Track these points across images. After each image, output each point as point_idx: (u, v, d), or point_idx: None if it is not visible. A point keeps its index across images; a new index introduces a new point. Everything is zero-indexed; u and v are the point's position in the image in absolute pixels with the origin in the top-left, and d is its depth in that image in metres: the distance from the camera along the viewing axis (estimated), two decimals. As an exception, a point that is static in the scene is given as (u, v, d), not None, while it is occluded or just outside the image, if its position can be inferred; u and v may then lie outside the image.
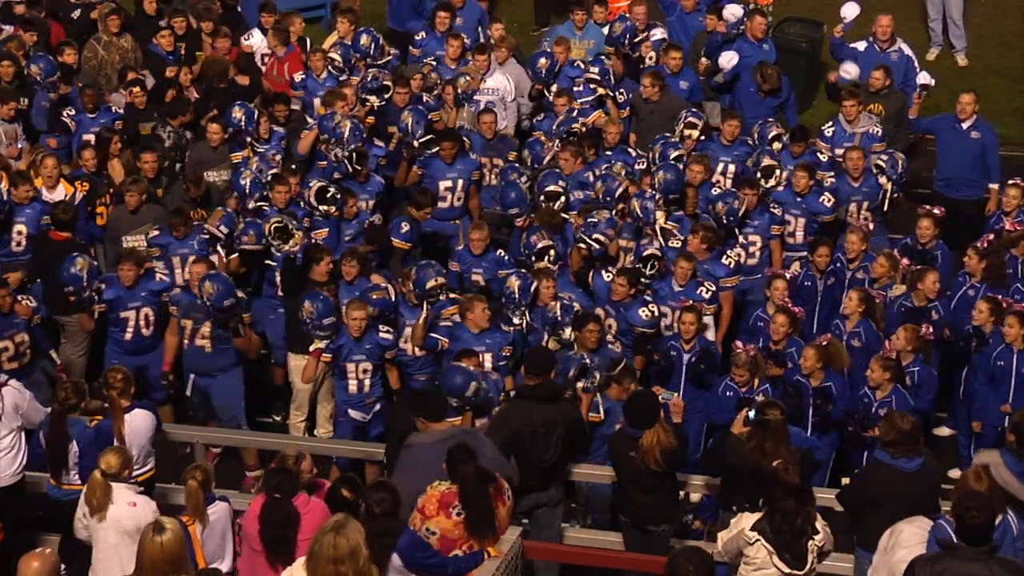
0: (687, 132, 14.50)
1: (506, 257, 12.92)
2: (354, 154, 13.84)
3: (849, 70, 15.56)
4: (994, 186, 14.61)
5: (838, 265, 13.08)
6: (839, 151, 14.59)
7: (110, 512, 9.09)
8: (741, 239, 13.53)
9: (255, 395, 12.82)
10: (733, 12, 16.19)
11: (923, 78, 15.43)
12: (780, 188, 13.85)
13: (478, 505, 9.10)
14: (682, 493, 11.05)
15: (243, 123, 14.52)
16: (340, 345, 11.86)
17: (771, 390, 11.55)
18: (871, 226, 13.47)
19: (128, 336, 12.47)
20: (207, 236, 13.03)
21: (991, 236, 13.01)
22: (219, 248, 12.95)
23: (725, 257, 12.95)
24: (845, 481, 10.89)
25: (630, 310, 12.12)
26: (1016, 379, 11.73)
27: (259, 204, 13.47)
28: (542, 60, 15.59)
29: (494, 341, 11.92)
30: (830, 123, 15.09)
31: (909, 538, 8.77)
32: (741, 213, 13.32)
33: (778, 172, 13.84)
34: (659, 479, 10.19)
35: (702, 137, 14.61)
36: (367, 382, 11.96)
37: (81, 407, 10.33)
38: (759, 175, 13.81)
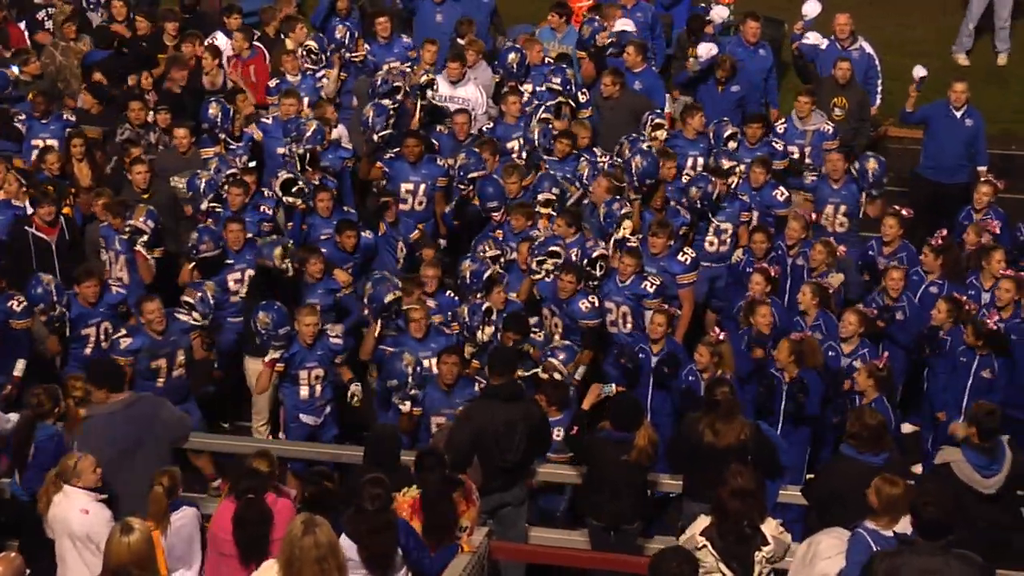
0: (655, 133, 14.59)
1: (457, 298, 12.69)
2: (308, 154, 13.86)
3: (808, 11, 16.12)
4: (983, 168, 14.84)
5: (779, 252, 13.16)
6: (792, 148, 14.81)
7: (62, 517, 9.05)
8: (713, 226, 13.65)
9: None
10: (719, 13, 16.45)
11: (919, 71, 15.51)
12: (741, 181, 14.01)
13: (435, 516, 9.13)
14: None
15: (219, 120, 14.48)
16: (293, 354, 11.83)
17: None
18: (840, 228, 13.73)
19: (88, 351, 12.39)
20: (128, 232, 12.95)
21: (944, 232, 13.11)
22: (139, 246, 12.93)
23: (681, 254, 12.98)
24: (810, 476, 10.93)
25: (572, 304, 12.20)
26: (973, 379, 11.85)
27: (212, 206, 13.44)
28: (512, 55, 15.52)
29: (439, 345, 11.91)
30: (783, 119, 15.28)
31: (827, 549, 8.75)
32: (714, 198, 13.53)
33: (739, 169, 13.95)
34: (640, 476, 10.29)
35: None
36: (318, 387, 11.96)
37: (55, 412, 10.25)
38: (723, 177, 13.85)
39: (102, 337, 12.39)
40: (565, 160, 14.26)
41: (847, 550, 8.63)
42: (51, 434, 10.16)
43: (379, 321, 12.12)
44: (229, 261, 12.94)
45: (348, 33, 15.70)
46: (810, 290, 12.28)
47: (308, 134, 13.87)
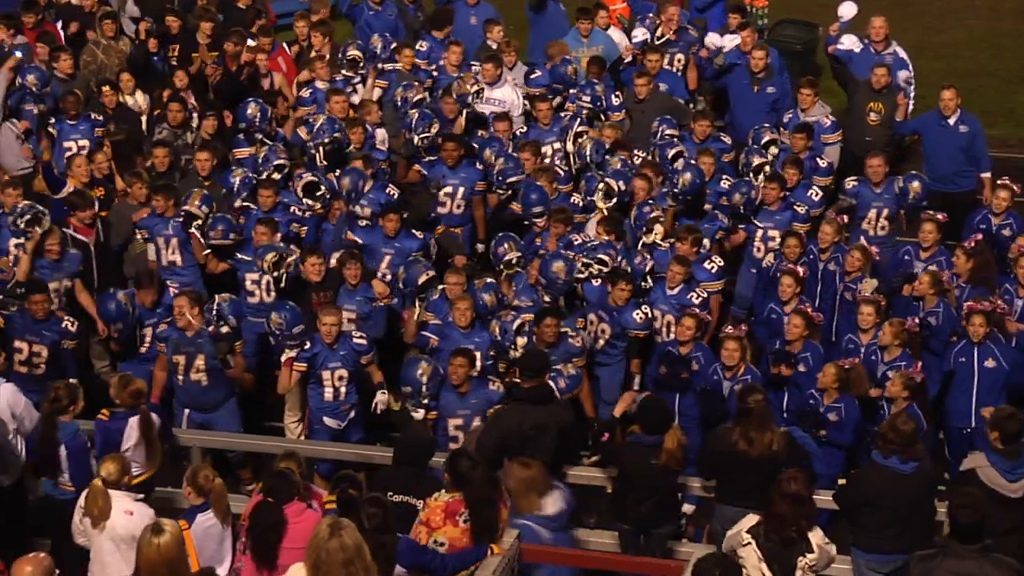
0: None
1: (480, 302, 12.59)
2: (321, 148, 14.02)
3: (844, 13, 16.11)
4: (986, 175, 14.70)
5: (811, 257, 13.10)
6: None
7: (109, 521, 9.08)
8: (760, 233, 13.66)
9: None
10: (713, 41, 16.36)
11: (902, 74, 15.53)
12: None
13: (484, 516, 9.11)
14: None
15: (257, 121, 14.59)
16: (315, 353, 11.83)
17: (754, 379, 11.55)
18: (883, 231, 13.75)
19: (144, 350, 12.48)
20: (183, 216, 13.07)
21: (979, 236, 13.02)
22: (193, 230, 13.05)
23: (708, 262, 12.96)
24: (842, 482, 10.92)
25: (624, 313, 12.20)
26: (979, 377, 11.80)
27: (245, 204, 13.55)
28: (569, 67, 15.58)
29: (482, 340, 11.95)
30: (790, 111, 15.29)
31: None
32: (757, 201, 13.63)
33: (767, 168, 13.94)
34: (669, 479, 10.28)
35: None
36: (343, 389, 11.91)
37: (71, 410, 10.30)
38: (752, 174, 13.90)
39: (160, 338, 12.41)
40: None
41: None
42: (73, 431, 10.22)
43: (417, 303, 12.19)
44: (246, 257, 12.98)
45: (382, 44, 15.72)
46: (873, 310, 12.04)
47: (316, 127, 14.14)
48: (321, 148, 14.12)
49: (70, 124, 14.83)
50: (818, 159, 14.49)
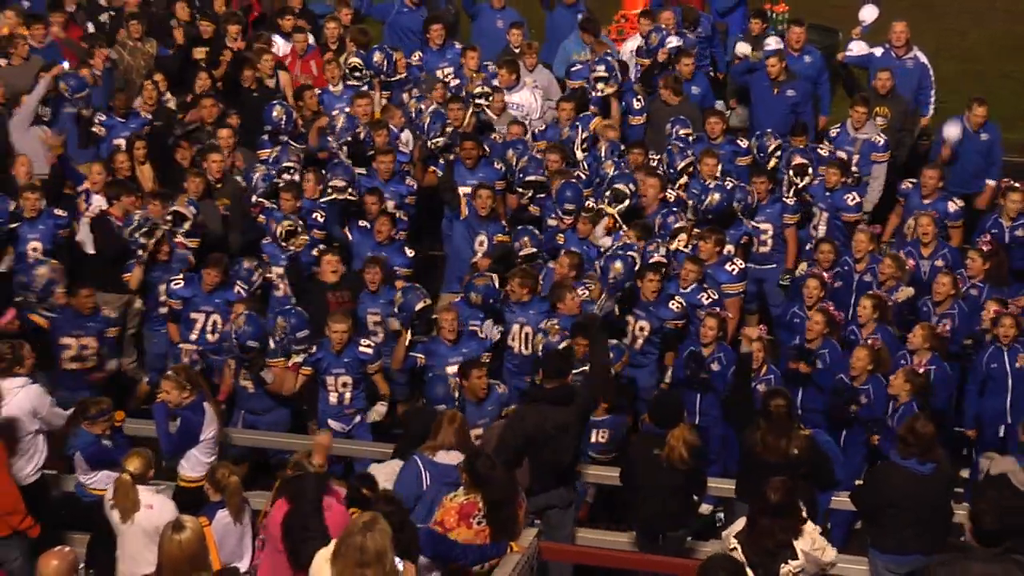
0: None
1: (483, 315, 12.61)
2: (345, 146, 14.14)
3: (865, 17, 16.08)
4: (991, 182, 14.74)
5: (846, 268, 13.10)
6: (840, 153, 14.74)
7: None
8: (751, 226, 13.74)
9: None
10: (742, 51, 16.39)
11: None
12: (815, 183, 14.03)
13: (507, 513, 9.16)
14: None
15: (283, 123, 14.65)
16: (319, 358, 11.90)
17: (775, 381, 11.62)
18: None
19: (194, 337, 12.59)
20: (170, 216, 13.13)
21: (988, 237, 13.11)
22: (180, 236, 13.14)
23: (730, 264, 13.03)
24: (859, 483, 10.99)
25: (660, 307, 12.34)
26: (1013, 378, 11.85)
27: (260, 200, 13.64)
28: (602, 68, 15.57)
29: (471, 350, 11.96)
30: (837, 125, 15.23)
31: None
32: (753, 204, 13.69)
33: (811, 170, 13.96)
34: (679, 479, 10.24)
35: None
36: (347, 395, 11.97)
37: (84, 424, 10.33)
38: (792, 173, 13.94)
39: (208, 328, 12.56)
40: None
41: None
42: (91, 440, 10.26)
43: (409, 330, 12.18)
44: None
45: (385, 58, 15.68)
46: (871, 304, 12.18)
47: (339, 126, 14.25)
48: (345, 146, 14.19)
49: (121, 121, 14.94)
50: (818, 149, 14.55)
